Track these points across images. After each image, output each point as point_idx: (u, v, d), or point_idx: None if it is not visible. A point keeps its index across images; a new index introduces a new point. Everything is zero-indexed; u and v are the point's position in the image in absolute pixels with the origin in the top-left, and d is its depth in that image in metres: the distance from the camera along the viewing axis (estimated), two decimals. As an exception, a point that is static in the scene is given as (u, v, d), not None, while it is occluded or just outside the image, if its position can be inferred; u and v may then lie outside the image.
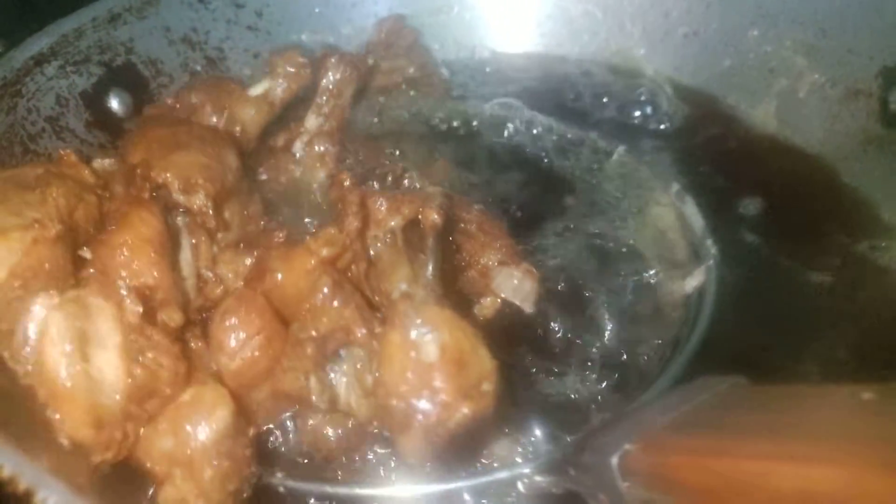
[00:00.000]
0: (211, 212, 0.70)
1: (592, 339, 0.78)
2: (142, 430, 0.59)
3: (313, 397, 0.65)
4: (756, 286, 0.84)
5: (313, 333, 0.63)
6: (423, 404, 0.57)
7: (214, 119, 0.84)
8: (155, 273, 0.62)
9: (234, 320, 0.63)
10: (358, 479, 0.66)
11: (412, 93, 1.07)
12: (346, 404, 0.65)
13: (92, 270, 0.62)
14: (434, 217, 0.66)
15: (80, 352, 0.57)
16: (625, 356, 0.77)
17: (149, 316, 0.60)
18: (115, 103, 0.92)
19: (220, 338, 0.64)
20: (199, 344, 0.66)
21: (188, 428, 0.58)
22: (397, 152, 0.96)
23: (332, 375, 0.66)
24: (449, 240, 0.75)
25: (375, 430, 0.66)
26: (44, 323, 0.57)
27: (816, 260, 0.87)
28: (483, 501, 0.65)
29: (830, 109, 1.01)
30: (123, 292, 0.60)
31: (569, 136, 1.02)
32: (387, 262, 0.67)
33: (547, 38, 1.19)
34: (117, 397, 0.57)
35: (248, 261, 0.70)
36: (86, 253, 0.64)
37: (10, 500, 0.50)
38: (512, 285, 0.76)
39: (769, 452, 0.46)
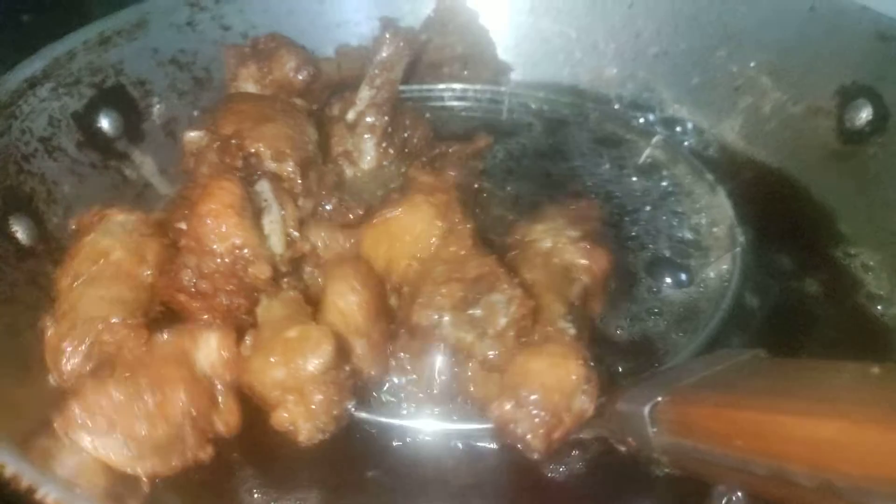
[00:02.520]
0: (298, 178, 0.77)
1: (624, 315, 0.86)
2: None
3: (444, 334, 0.70)
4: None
5: (458, 276, 0.69)
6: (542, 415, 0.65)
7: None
8: (240, 233, 0.69)
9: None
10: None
11: (465, 72, 1.14)
12: (470, 344, 0.70)
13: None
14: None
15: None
16: (653, 330, 0.84)
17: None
18: (105, 123, 0.95)
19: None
20: (294, 293, 0.74)
21: (298, 360, 0.64)
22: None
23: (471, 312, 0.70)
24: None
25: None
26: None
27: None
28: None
29: (793, 126, 1.06)
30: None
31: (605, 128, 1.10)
32: (548, 298, 0.74)
33: (523, 57, 1.23)
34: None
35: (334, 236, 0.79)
36: (182, 225, 0.72)
37: (13, 498, 0.53)
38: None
39: (783, 408, 0.54)
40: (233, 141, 0.78)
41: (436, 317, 0.69)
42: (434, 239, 0.75)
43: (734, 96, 1.13)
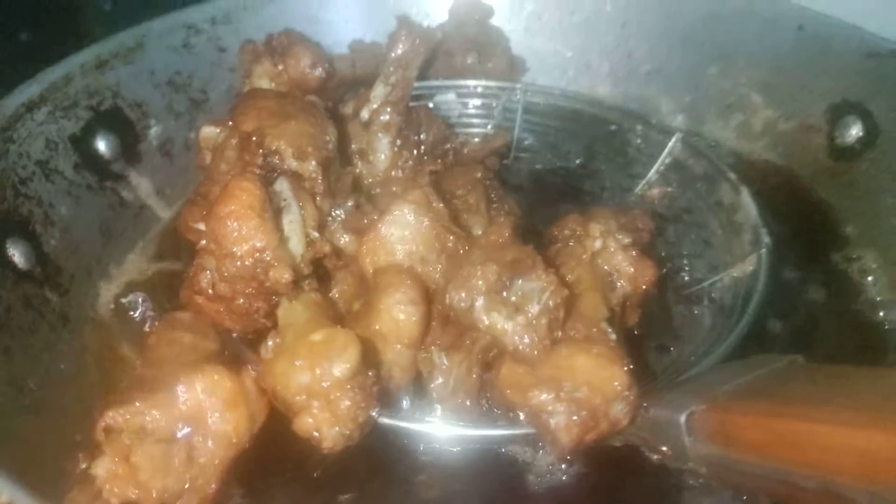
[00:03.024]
0: (320, 178, 0.75)
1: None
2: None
3: (477, 316, 0.68)
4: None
5: (495, 259, 0.68)
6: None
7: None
8: (261, 235, 0.67)
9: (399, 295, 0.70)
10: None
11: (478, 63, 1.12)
12: (502, 329, 0.68)
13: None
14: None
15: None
16: (680, 332, 0.84)
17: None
18: (101, 145, 0.95)
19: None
20: (316, 294, 0.73)
21: (324, 364, 0.62)
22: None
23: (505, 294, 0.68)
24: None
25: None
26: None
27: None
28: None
29: (785, 142, 1.07)
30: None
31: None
32: (592, 297, 0.72)
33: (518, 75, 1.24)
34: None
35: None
36: (200, 226, 0.70)
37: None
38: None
39: (821, 417, 0.54)
40: (253, 138, 0.75)
41: (469, 299, 0.68)
42: (428, 233, 0.74)
43: (726, 113, 1.14)
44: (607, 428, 0.65)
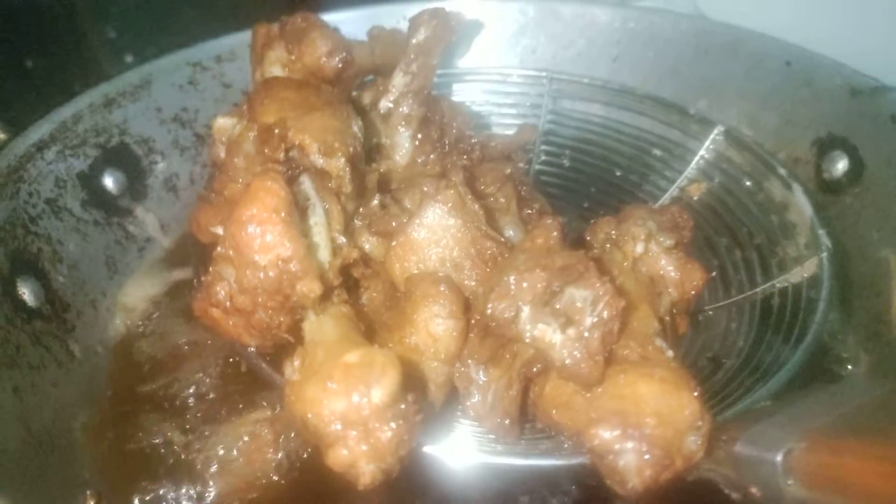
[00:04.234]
0: (348, 176, 0.68)
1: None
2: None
3: (521, 328, 0.61)
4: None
5: (543, 264, 0.61)
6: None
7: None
8: (287, 243, 0.59)
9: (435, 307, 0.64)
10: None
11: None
12: (549, 343, 0.61)
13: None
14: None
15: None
16: (740, 344, 0.77)
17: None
18: (109, 182, 0.98)
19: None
20: (346, 307, 0.65)
21: (361, 389, 0.55)
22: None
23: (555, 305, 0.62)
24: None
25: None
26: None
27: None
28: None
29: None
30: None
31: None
32: (640, 310, 0.66)
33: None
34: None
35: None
36: (218, 230, 0.64)
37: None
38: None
39: None
40: (275, 131, 0.68)
41: (514, 308, 0.60)
42: (464, 237, 0.68)
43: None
44: (682, 465, 0.58)
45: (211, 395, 0.83)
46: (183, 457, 0.77)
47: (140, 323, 0.93)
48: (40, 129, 0.89)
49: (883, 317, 0.87)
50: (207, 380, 0.85)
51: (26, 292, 0.82)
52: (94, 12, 1.38)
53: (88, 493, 0.72)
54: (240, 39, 1.06)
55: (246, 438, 0.76)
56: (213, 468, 0.75)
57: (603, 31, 1.17)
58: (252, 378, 0.81)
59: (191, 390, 0.83)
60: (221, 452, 0.76)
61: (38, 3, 1.32)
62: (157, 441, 0.79)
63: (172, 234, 1.05)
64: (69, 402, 0.81)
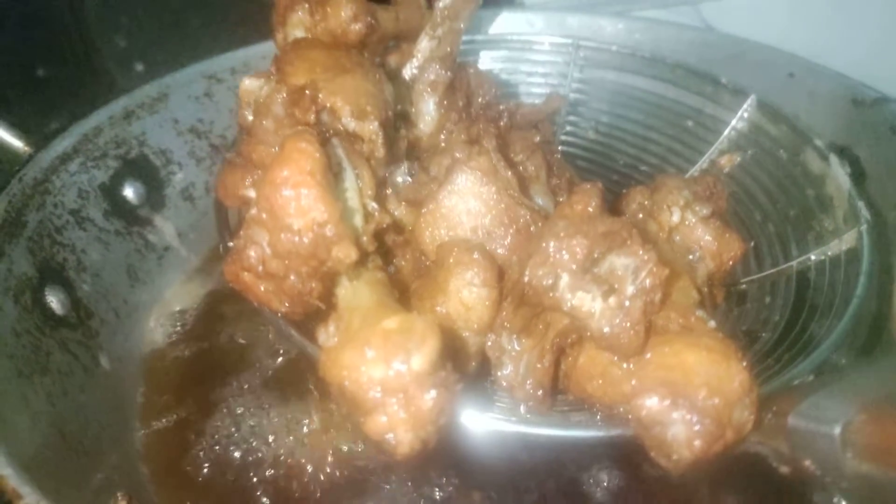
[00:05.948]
0: (380, 140, 0.66)
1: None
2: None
3: (560, 296, 0.59)
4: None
5: (585, 230, 0.58)
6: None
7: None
8: (322, 207, 0.57)
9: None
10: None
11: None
12: (588, 312, 0.59)
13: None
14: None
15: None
16: (776, 318, 0.76)
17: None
18: (129, 192, 1.00)
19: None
20: (382, 273, 0.64)
21: (402, 355, 0.53)
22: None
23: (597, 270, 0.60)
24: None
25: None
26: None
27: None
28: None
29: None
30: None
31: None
32: (680, 280, 0.65)
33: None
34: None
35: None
36: (249, 192, 0.62)
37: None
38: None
39: None
40: (306, 92, 0.65)
41: (553, 276, 0.58)
42: (496, 206, 0.66)
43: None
44: (733, 437, 0.56)
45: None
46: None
47: (172, 330, 0.97)
48: (63, 143, 0.91)
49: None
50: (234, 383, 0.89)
51: (54, 301, 0.83)
52: (103, 21, 1.36)
53: (119, 494, 0.72)
54: (254, 52, 1.09)
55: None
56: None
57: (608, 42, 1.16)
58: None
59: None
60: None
61: (48, 12, 1.31)
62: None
63: (189, 243, 1.07)
64: (98, 408, 0.82)
